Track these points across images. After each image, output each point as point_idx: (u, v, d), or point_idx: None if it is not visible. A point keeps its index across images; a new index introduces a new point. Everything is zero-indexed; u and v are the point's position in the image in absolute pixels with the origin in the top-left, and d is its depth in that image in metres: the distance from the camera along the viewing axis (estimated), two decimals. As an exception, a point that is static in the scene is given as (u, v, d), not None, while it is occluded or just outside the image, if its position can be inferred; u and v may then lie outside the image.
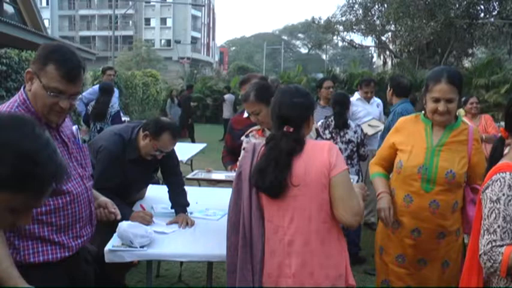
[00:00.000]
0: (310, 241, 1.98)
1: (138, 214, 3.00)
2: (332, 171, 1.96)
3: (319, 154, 1.98)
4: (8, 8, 14.50)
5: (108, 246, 2.47)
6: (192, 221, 3.04)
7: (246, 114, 3.45)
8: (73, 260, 2.01)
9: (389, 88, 4.76)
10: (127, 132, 3.14)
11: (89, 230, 2.10)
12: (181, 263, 3.73)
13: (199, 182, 5.15)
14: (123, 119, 7.50)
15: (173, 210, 3.18)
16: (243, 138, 2.94)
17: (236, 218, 2.11)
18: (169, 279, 4.04)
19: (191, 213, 3.20)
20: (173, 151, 3.31)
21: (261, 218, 2.05)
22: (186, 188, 3.38)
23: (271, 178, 1.96)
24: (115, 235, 2.56)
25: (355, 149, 4.60)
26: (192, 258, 2.67)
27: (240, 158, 2.17)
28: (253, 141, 2.42)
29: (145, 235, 2.55)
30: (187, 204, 3.22)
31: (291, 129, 2.02)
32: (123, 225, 2.53)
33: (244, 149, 2.68)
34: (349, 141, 4.57)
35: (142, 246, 2.51)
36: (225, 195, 3.82)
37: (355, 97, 5.91)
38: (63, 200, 1.93)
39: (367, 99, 5.84)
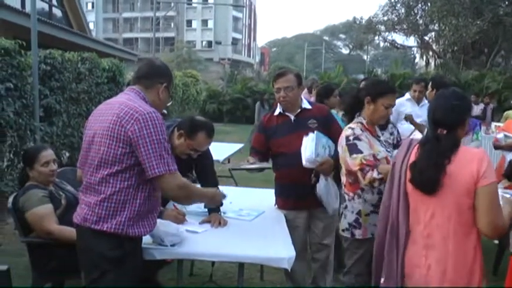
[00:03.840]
0: (447, 239, 2.02)
1: (171, 213, 3.00)
2: (480, 182, 1.96)
3: (469, 163, 1.99)
4: (57, 12, 15.05)
5: (140, 244, 2.48)
6: (224, 221, 3.03)
7: (277, 113, 3.40)
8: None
9: (431, 89, 4.52)
10: (161, 131, 3.15)
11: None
12: (213, 262, 3.72)
13: (236, 182, 5.15)
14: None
15: (206, 210, 3.16)
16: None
17: (389, 202, 2.26)
18: (202, 279, 4.04)
19: (224, 213, 3.18)
20: (208, 150, 3.30)
21: (407, 206, 2.17)
22: (222, 187, 3.35)
23: (428, 176, 2.03)
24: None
25: (390, 151, 4.42)
26: (223, 258, 2.64)
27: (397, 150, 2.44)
28: (412, 137, 2.67)
29: (176, 234, 2.55)
30: (221, 204, 3.19)
31: (444, 132, 2.05)
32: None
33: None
34: (385, 143, 4.41)
35: (173, 245, 2.51)
36: (259, 195, 3.82)
37: (406, 97, 5.74)
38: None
39: (417, 100, 5.65)
